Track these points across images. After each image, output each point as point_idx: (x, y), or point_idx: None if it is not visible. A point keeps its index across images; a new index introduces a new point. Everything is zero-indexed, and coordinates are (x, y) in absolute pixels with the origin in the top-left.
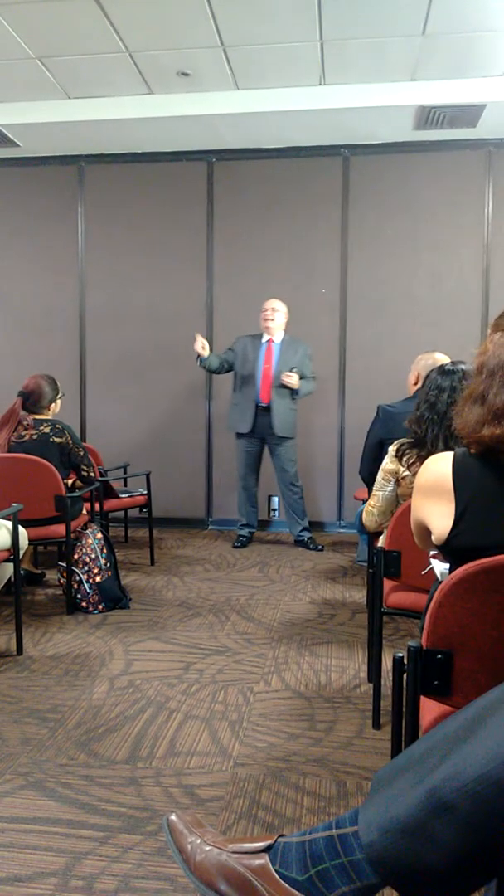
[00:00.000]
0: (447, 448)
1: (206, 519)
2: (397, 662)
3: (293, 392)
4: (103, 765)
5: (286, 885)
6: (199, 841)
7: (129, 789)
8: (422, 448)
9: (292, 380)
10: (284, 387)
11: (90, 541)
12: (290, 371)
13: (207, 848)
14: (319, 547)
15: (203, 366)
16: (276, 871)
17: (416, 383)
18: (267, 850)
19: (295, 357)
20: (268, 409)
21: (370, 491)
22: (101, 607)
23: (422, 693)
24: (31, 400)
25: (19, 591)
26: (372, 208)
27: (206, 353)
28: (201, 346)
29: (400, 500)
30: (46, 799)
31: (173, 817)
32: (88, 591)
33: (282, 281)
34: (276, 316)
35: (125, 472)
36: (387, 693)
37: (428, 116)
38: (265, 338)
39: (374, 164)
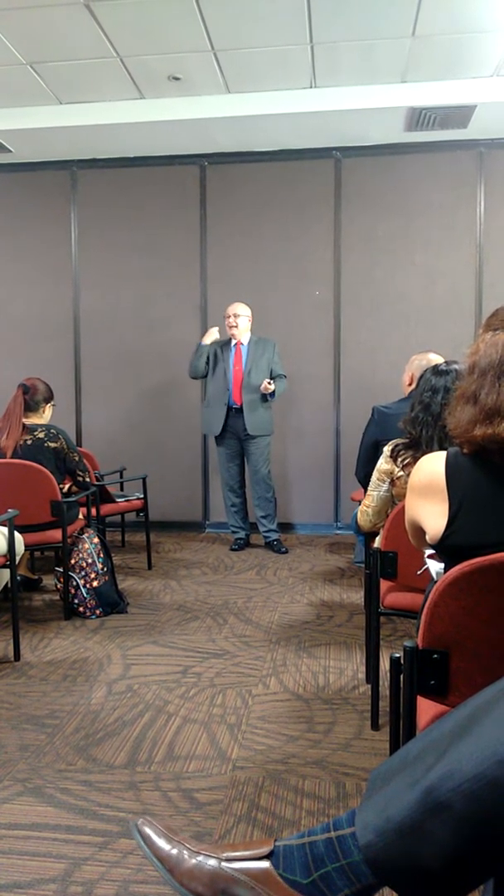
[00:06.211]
0: (442, 449)
1: (203, 522)
2: (394, 663)
3: (268, 395)
4: (102, 770)
5: (291, 890)
6: (183, 848)
7: (128, 794)
8: (417, 449)
9: (271, 387)
10: (258, 388)
11: (87, 545)
12: (268, 382)
13: (200, 857)
14: (284, 550)
15: (198, 353)
16: (280, 874)
17: (410, 384)
18: (269, 855)
19: (264, 356)
20: (240, 410)
21: (366, 492)
22: (98, 612)
23: (418, 693)
24: (29, 393)
25: (16, 596)
26: (364, 209)
27: (209, 340)
28: (212, 333)
29: (395, 500)
30: (45, 805)
31: (146, 828)
32: (86, 595)
33: (275, 283)
34: (239, 322)
35: (121, 477)
36: (385, 694)
37: (419, 118)
38: (233, 341)
39: (366, 165)
